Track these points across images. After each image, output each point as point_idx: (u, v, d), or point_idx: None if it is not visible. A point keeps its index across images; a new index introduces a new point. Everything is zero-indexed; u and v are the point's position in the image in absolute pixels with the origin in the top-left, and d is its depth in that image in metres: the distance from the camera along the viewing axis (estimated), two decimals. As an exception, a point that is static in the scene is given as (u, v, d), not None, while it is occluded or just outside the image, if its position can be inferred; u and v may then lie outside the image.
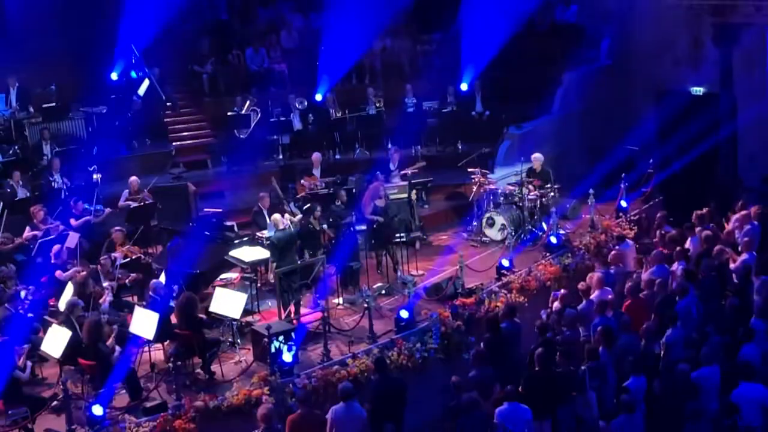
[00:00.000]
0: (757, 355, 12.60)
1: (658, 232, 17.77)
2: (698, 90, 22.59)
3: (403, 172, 20.58)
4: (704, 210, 17.75)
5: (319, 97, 23.42)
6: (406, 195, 19.49)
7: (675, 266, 15.71)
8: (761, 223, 17.14)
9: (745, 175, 21.95)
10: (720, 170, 22.15)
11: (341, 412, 11.97)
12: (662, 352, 13.34)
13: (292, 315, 15.57)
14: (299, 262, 16.36)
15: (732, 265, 15.80)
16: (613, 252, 16.90)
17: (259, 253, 16.59)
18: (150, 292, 14.82)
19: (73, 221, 18.10)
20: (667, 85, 23.02)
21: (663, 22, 22.80)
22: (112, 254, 16.56)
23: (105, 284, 15.72)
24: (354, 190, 19.43)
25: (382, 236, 17.66)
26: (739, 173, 22.15)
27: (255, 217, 18.15)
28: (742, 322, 13.54)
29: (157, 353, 14.59)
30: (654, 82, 23.24)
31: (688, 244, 16.81)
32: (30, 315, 14.81)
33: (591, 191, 18.98)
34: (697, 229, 17.19)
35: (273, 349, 13.74)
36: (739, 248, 16.22)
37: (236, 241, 17.40)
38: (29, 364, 13.52)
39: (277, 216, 16.70)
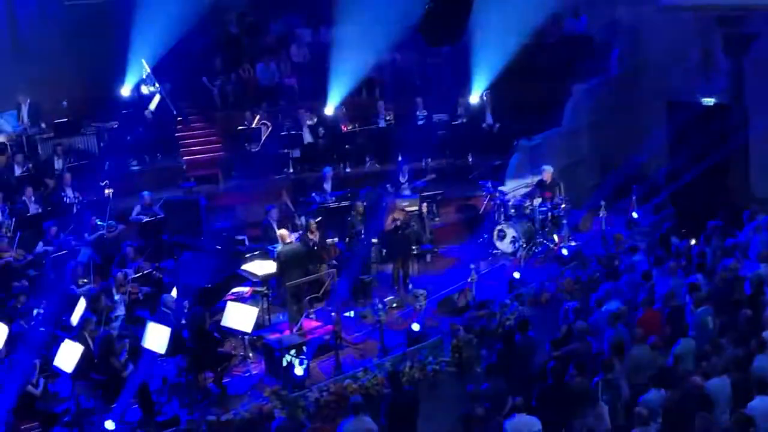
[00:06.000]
0: (770, 367, 12.53)
1: (668, 243, 17.70)
2: (709, 101, 22.54)
3: (413, 184, 20.61)
4: (716, 221, 17.70)
5: (329, 111, 23.43)
6: (416, 208, 19.49)
7: (691, 278, 15.61)
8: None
9: (756, 185, 21.88)
10: (731, 181, 22.09)
11: (351, 426, 11.94)
12: (673, 364, 13.28)
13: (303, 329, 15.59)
14: (309, 275, 16.35)
15: (744, 276, 15.72)
16: (623, 264, 16.87)
17: (270, 266, 16.60)
18: (162, 307, 14.86)
19: (85, 236, 18.17)
20: (678, 95, 22.96)
21: (673, 33, 22.75)
22: (124, 269, 16.61)
23: (117, 299, 15.79)
24: (365, 204, 19.45)
25: (399, 249, 17.67)
26: (750, 184, 22.08)
27: (265, 231, 18.17)
28: (754, 333, 13.47)
29: (169, 367, 14.60)
30: (664, 93, 23.19)
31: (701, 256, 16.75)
32: (42, 330, 14.91)
33: (602, 203, 18.97)
34: (711, 240, 17.16)
35: (284, 363, 13.75)
36: (751, 259, 16.15)
37: (247, 255, 17.42)
38: (42, 379, 13.54)
39: (283, 231, 16.72)
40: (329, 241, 18.42)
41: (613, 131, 22.80)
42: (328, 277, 16.17)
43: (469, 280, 16.59)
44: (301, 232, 17.48)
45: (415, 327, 15.04)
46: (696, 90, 22.72)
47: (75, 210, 19.14)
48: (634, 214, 19.52)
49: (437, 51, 25.82)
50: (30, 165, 20.76)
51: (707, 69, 22.61)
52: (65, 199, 19.49)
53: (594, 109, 22.83)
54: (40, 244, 17.69)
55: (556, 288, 16.87)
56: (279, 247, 16.37)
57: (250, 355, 15.04)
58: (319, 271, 16.50)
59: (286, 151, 22.85)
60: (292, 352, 13.87)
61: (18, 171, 20.22)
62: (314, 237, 16.97)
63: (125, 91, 23.12)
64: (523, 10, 22.48)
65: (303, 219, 18.71)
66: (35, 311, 15.02)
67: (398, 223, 17.59)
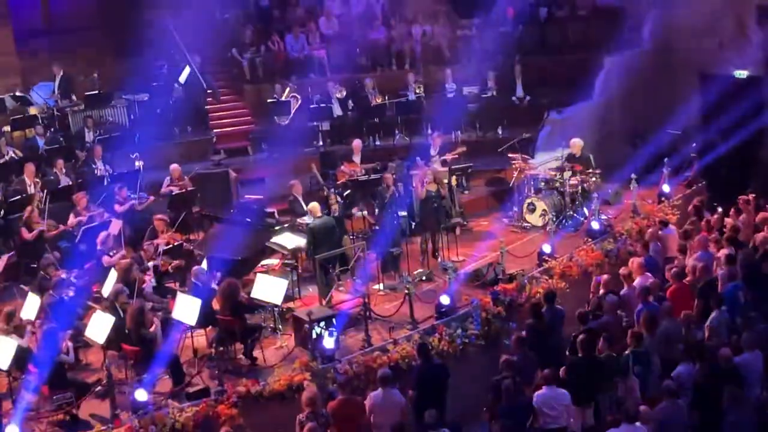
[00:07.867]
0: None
1: (699, 216, 17.55)
2: (742, 73, 22.28)
3: (443, 157, 20.55)
4: (747, 194, 17.56)
5: (358, 84, 23.31)
6: (446, 181, 19.43)
7: (724, 251, 15.45)
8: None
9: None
10: (763, 154, 21.86)
11: (379, 398, 12.01)
12: (706, 337, 13.23)
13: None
14: (339, 248, 16.36)
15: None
16: (650, 230, 16.80)
17: (300, 239, 16.63)
18: (192, 279, 14.92)
19: (116, 208, 18.26)
20: (710, 68, 22.71)
21: (706, 4, 22.48)
22: (155, 241, 16.70)
23: (148, 270, 15.88)
24: (394, 176, 19.42)
25: (430, 220, 17.65)
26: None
27: (292, 206, 18.18)
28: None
29: (200, 339, 14.68)
30: (697, 66, 22.93)
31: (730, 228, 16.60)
32: (76, 300, 15.01)
33: (633, 176, 18.85)
34: (742, 214, 17.03)
35: (314, 335, 13.79)
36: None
37: (277, 228, 17.45)
38: (73, 349, 13.63)
39: (314, 204, 16.74)
40: (362, 213, 18.44)
41: (644, 104, 22.60)
42: (357, 250, 16.19)
43: (498, 253, 16.54)
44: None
45: (444, 300, 15.02)
46: (729, 62, 22.46)
47: (105, 182, 19.21)
48: (666, 188, 19.33)
49: (467, 23, 25.71)
50: (61, 137, 20.86)
51: (740, 41, 22.33)
52: (96, 170, 19.59)
53: (625, 82, 22.58)
54: (71, 215, 17.79)
55: (585, 262, 16.79)
56: (311, 221, 16.39)
57: (280, 327, 15.10)
58: (343, 243, 16.52)
59: (315, 123, 22.83)
60: (322, 324, 13.88)
61: (44, 143, 20.30)
62: (335, 209, 16.98)
63: (156, 63, 23.15)
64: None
65: (332, 192, 18.72)
66: (67, 283, 15.12)
67: (430, 191, 17.56)
